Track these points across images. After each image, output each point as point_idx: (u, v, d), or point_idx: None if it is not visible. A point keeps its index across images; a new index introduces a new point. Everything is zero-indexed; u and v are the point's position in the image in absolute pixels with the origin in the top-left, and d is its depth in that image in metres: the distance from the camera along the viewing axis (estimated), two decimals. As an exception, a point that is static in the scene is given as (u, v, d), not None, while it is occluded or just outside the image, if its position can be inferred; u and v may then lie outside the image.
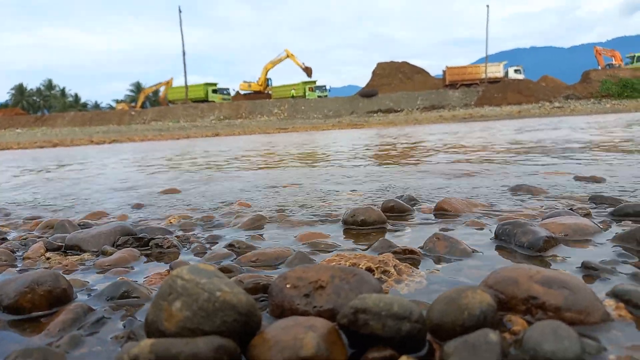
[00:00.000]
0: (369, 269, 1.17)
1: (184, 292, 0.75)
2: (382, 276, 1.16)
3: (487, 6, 52.52)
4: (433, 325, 0.77)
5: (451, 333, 0.75)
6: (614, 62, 51.07)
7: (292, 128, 27.61)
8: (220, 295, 0.74)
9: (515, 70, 50.28)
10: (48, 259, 1.55)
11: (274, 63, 56.93)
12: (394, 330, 0.71)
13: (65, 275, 1.21)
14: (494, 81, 48.57)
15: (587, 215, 1.80)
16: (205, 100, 53.09)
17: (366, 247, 1.53)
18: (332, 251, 1.49)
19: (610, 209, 1.86)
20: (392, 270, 1.18)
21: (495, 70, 50.07)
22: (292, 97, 52.20)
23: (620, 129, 8.53)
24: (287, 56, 55.45)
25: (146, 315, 0.79)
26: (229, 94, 55.94)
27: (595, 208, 1.94)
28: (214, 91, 54.40)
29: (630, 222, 1.65)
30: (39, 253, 1.59)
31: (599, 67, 50.63)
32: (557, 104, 38.84)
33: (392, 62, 60.22)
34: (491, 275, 0.93)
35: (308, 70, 54.96)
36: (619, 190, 2.35)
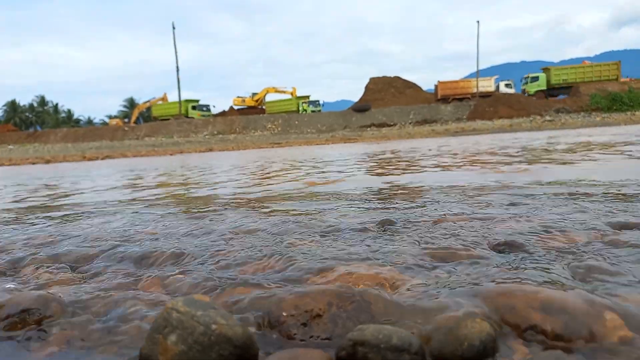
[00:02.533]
0: (366, 289, 1.15)
1: (179, 325, 0.74)
2: (380, 295, 1.15)
3: (478, 22, 53.31)
4: (433, 356, 0.76)
5: (451, 364, 0.74)
6: (602, 76, 51.90)
7: (286, 143, 27.67)
8: (216, 329, 0.73)
9: (506, 85, 50.86)
10: (39, 278, 1.52)
11: (277, 91, 57.58)
12: (393, 363, 0.70)
13: (57, 294, 1.18)
14: (486, 95, 49.07)
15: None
16: (185, 116, 54.15)
17: (363, 262, 1.51)
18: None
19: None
20: (389, 289, 1.17)
21: (487, 85, 50.65)
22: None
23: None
24: (290, 93, 56.28)
25: (141, 348, 0.77)
26: (208, 110, 56.63)
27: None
28: (193, 107, 55.41)
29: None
30: (31, 272, 1.57)
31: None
32: (548, 118, 39.25)
33: (384, 76, 60.76)
34: (490, 301, 0.93)
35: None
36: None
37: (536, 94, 48.13)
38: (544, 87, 48.52)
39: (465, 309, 0.88)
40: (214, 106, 57.57)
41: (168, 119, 53.31)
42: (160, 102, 58.35)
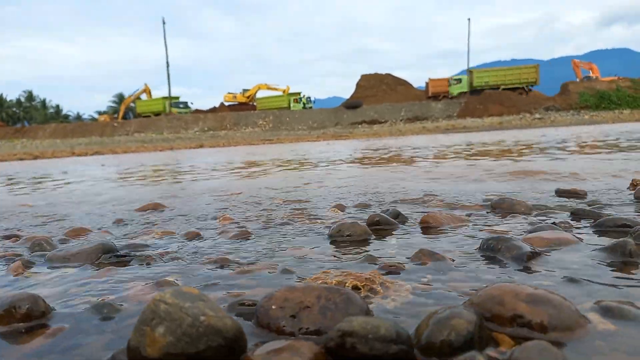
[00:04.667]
0: (355, 287, 1.16)
1: (167, 317, 0.73)
2: (369, 294, 1.16)
3: (469, 19, 53.57)
4: (421, 346, 0.77)
5: (439, 354, 0.75)
6: (591, 74, 52.41)
7: (277, 139, 27.60)
8: (205, 320, 0.73)
9: (497, 82, 51.25)
10: (27, 278, 1.51)
11: (269, 87, 57.78)
12: (382, 353, 0.71)
13: (45, 294, 1.18)
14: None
15: (570, 229, 1.82)
16: (162, 113, 55.44)
17: (352, 262, 1.52)
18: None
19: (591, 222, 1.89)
20: (379, 287, 1.18)
21: (479, 82, 51.07)
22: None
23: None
24: (283, 90, 56.62)
25: (128, 340, 0.77)
26: (186, 107, 58.27)
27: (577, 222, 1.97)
28: (172, 105, 56.78)
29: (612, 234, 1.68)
30: (18, 272, 1.55)
31: (577, 80, 51.97)
32: (537, 115, 39.55)
33: (376, 73, 60.79)
34: (477, 294, 0.94)
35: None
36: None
37: (459, 96, 50.14)
38: (467, 89, 50.36)
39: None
40: (191, 103, 59.17)
41: (149, 116, 53.98)
42: (143, 94, 59.22)
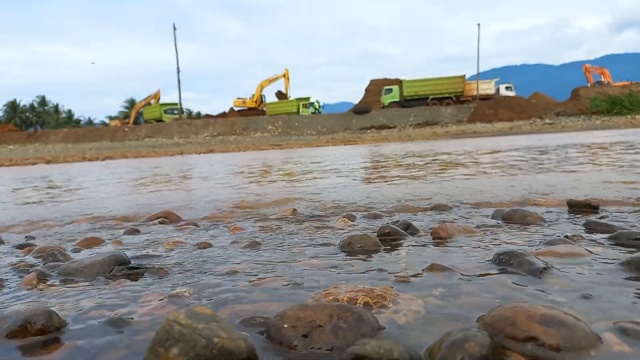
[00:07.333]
0: (367, 304, 1.16)
1: (181, 338, 0.74)
2: (380, 310, 1.16)
3: (478, 24, 53.29)
4: (433, 370, 0.77)
5: (452, 378, 0.74)
6: (602, 79, 51.97)
7: (286, 144, 27.65)
8: (218, 342, 0.73)
9: (507, 87, 50.93)
10: (41, 290, 1.52)
11: (270, 81, 58.15)
12: (395, 377, 0.71)
13: (59, 309, 1.19)
14: (486, 98, 49.09)
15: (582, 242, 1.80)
16: (160, 120, 57.05)
17: (363, 276, 1.52)
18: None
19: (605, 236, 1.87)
20: (390, 304, 1.17)
21: (487, 87, 50.70)
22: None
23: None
24: (284, 75, 56.95)
25: (142, 360, 0.77)
26: (181, 112, 59.57)
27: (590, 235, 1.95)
28: (165, 111, 58.61)
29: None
30: (32, 284, 1.57)
31: (588, 85, 51.56)
32: (548, 121, 39.23)
33: (385, 79, 60.92)
34: (489, 314, 0.93)
35: (280, 95, 57.85)
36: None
37: (390, 105, 50.78)
38: (398, 99, 50.99)
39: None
40: (187, 109, 61.70)
41: (152, 122, 55.48)
42: (152, 100, 60.78)
